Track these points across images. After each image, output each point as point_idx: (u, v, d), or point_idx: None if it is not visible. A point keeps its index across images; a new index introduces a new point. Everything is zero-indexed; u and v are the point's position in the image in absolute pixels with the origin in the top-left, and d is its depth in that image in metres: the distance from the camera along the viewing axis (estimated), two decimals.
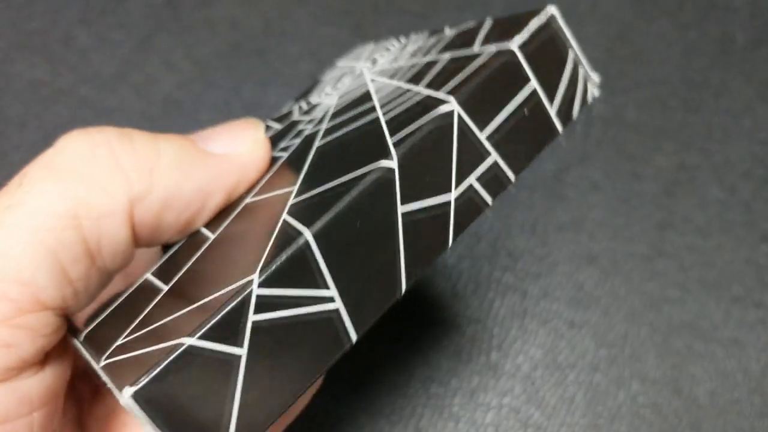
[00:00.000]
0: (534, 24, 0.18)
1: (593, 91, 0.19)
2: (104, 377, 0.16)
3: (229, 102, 0.36)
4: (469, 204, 0.17)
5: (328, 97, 0.25)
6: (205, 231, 0.20)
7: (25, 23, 0.37)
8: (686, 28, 0.37)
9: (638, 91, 0.35)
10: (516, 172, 0.18)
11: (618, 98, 0.35)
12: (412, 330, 0.31)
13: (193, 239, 0.20)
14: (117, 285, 0.21)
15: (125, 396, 0.14)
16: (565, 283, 0.32)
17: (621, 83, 0.36)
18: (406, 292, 0.17)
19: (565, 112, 0.19)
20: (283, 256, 0.15)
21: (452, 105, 0.17)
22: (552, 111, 0.18)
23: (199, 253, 0.19)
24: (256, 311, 0.15)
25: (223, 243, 0.18)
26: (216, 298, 0.16)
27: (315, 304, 0.16)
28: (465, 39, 0.21)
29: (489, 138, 0.18)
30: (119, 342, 0.17)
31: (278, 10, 0.38)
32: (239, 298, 0.15)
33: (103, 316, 0.20)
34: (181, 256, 0.20)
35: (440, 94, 0.18)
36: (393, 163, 0.16)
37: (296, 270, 0.15)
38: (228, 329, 0.15)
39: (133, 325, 0.17)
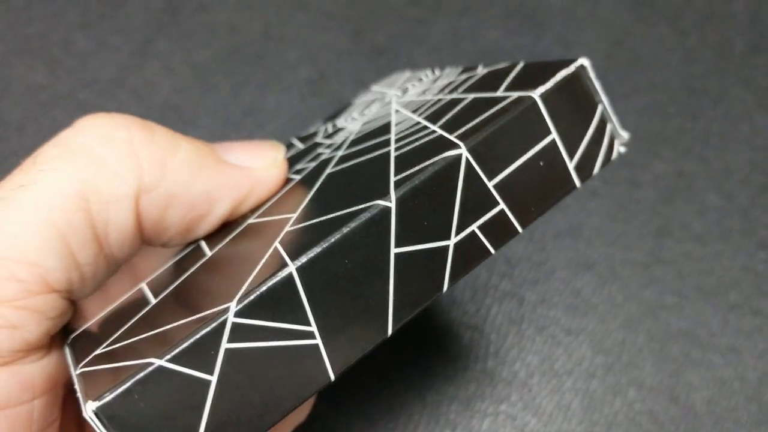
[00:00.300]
0: (562, 74, 0.18)
1: (619, 149, 0.19)
2: (77, 385, 0.16)
3: (227, 107, 0.36)
4: (470, 250, 0.17)
5: (353, 122, 0.25)
6: (204, 246, 0.20)
7: (24, 27, 0.37)
8: (685, 34, 0.37)
9: (637, 98, 0.35)
10: (524, 224, 0.17)
11: (616, 104, 0.35)
12: (409, 336, 0.31)
13: (192, 254, 0.20)
14: (125, 286, 0.21)
15: (88, 410, 0.14)
16: (562, 290, 0.32)
17: (620, 89, 0.36)
18: (392, 334, 0.16)
19: (585, 167, 0.18)
20: (263, 287, 0.15)
21: (461, 150, 0.16)
22: (571, 165, 0.18)
23: (191, 270, 0.19)
24: (230, 339, 0.15)
25: (216, 262, 0.18)
26: (194, 320, 0.15)
27: (293, 338, 0.15)
28: (492, 81, 0.20)
29: (497, 186, 0.17)
30: (98, 351, 0.17)
31: (278, 15, 0.38)
32: (213, 324, 0.15)
33: (93, 320, 0.20)
34: (176, 269, 0.20)
35: (452, 137, 0.17)
36: (390, 204, 0.16)
37: (276, 302, 0.15)
38: (199, 354, 0.15)
39: (115, 335, 0.17)
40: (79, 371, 0.16)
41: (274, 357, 0.15)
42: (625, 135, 0.19)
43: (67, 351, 0.18)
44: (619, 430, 0.29)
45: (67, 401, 0.20)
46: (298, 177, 0.21)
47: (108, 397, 0.14)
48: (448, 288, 0.17)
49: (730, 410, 0.29)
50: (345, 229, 0.16)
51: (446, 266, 0.17)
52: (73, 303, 0.19)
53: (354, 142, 0.22)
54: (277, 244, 0.17)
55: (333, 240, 0.15)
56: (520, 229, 0.17)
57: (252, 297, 0.15)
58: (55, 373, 0.18)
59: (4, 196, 0.17)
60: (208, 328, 0.15)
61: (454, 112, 0.19)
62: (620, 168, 0.34)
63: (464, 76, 0.23)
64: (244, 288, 0.15)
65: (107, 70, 0.37)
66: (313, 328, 0.16)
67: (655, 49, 0.37)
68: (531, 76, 0.18)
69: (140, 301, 0.19)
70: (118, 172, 0.18)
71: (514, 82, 0.19)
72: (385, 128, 0.21)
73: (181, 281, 0.18)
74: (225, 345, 0.15)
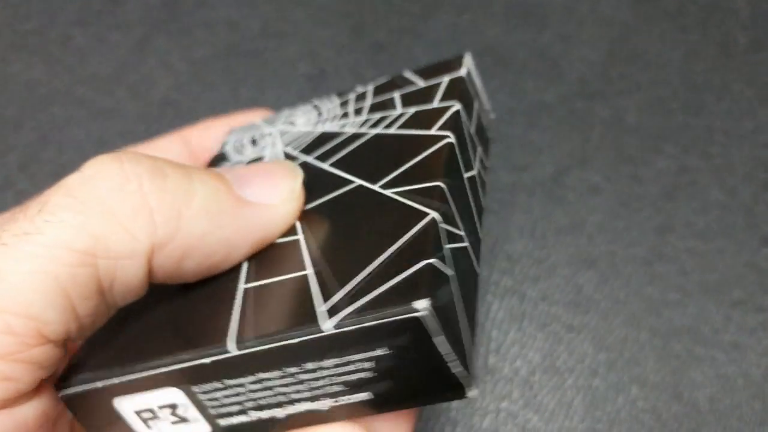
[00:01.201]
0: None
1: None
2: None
3: (226, 103, 0.35)
4: None
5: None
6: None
7: (22, 24, 0.37)
8: (687, 30, 0.37)
9: (639, 94, 0.35)
10: None
11: (619, 101, 0.35)
12: None
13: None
14: None
15: (420, 306, 0.15)
16: (564, 287, 0.31)
17: (622, 86, 0.35)
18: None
19: None
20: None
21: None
22: None
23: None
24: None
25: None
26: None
27: None
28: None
29: None
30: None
31: (276, 11, 0.38)
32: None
33: None
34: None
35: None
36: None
37: None
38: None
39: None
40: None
41: None
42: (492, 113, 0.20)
43: None
44: (622, 427, 0.29)
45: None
46: None
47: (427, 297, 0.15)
48: None
49: (734, 407, 0.29)
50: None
51: None
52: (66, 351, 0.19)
53: None
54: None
55: None
56: None
57: None
58: (47, 410, 0.18)
59: (6, 242, 0.17)
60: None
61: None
62: (622, 164, 0.34)
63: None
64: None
65: (105, 67, 0.37)
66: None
67: (657, 45, 0.36)
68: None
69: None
70: (130, 228, 0.17)
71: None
72: None
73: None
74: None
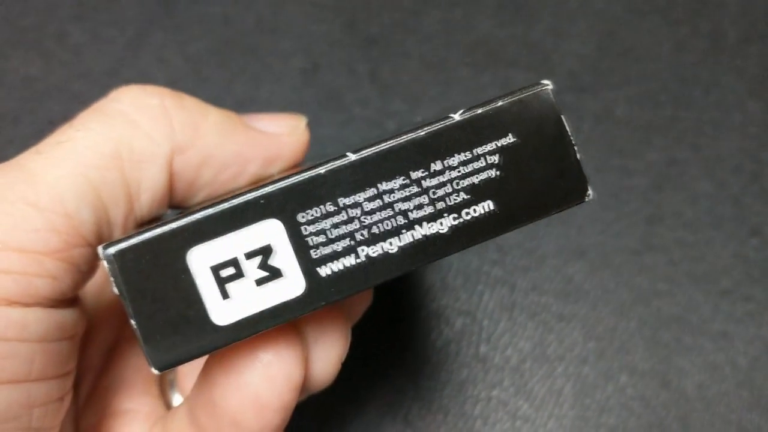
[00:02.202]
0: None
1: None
2: None
3: (221, 98, 0.36)
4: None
5: None
6: None
7: (18, 20, 0.38)
8: (677, 24, 0.37)
9: (628, 87, 0.36)
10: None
11: (608, 94, 0.35)
12: (401, 322, 0.31)
13: None
14: None
15: None
16: (554, 277, 0.32)
17: (611, 79, 0.36)
18: None
19: None
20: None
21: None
22: None
23: None
24: None
25: None
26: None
27: None
28: None
29: None
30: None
31: (271, 6, 0.38)
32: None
33: None
34: None
35: None
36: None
37: None
38: None
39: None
40: None
41: None
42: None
43: None
44: (611, 414, 0.29)
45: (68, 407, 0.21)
46: None
47: None
48: None
49: (722, 395, 0.30)
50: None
51: None
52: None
53: None
54: None
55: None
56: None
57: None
58: (79, 324, 0.19)
59: (41, 150, 0.18)
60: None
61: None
62: (612, 156, 0.34)
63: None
64: None
65: (102, 62, 0.37)
66: None
67: (647, 39, 0.37)
68: None
69: None
70: (151, 134, 0.19)
71: None
72: None
73: None
74: None
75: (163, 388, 0.24)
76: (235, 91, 0.36)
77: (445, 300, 0.31)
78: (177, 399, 0.24)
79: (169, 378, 0.24)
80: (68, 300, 0.18)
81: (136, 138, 0.19)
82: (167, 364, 0.15)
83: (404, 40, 0.37)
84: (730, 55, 0.36)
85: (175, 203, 0.21)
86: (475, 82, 0.36)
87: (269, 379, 0.17)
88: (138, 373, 0.23)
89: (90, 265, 0.19)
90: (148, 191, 0.19)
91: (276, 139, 0.21)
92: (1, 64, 0.37)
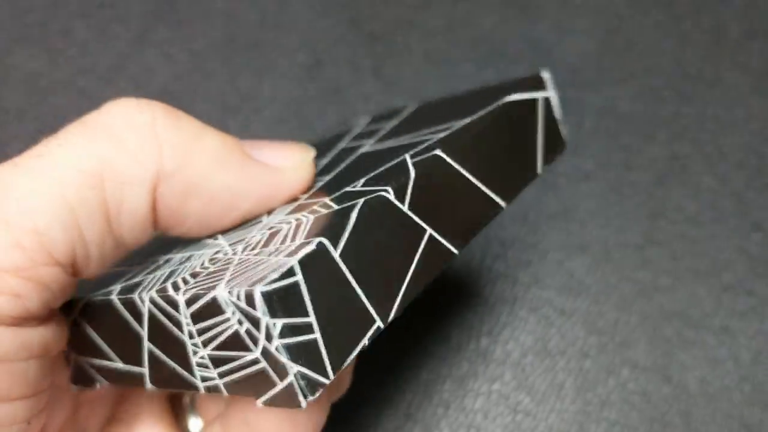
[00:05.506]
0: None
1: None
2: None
3: (225, 93, 0.36)
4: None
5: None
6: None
7: (24, 16, 0.38)
8: (680, 19, 0.37)
9: (632, 82, 0.36)
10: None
11: (611, 89, 0.35)
12: (402, 316, 0.31)
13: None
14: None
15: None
16: (555, 271, 0.32)
17: (614, 74, 0.36)
18: None
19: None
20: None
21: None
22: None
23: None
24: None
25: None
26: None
27: None
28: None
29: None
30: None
31: (275, 2, 0.38)
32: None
33: None
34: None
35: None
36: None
37: None
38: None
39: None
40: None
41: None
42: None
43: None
44: (613, 409, 0.29)
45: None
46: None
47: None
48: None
49: (723, 390, 0.30)
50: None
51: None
52: (76, 280, 0.19)
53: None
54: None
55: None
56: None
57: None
58: (50, 343, 0.18)
59: (19, 163, 0.17)
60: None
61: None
62: (614, 151, 0.34)
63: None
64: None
65: (106, 58, 0.37)
66: None
67: (650, 34, 0.37)
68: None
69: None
70: (137, 154, 0.18)
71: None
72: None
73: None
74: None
75: (178, 414, 0.23)
76: (239, 87, 0.36)
77: (446, 294, 0.31)
78: (194, 423, 0.23)
79: (185, 402, 0.23)
80: (37, 318, 0.18)
81: (119, 157, 0.18)
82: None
83: (407, 36, 0.37)
84: (733, 50, 0.36)
85: (160, 228, 0.20)
86: (478, 78, 0.36)
87: None
88: (150, 401, 0.22)
89: (61, 285, 0.18)
90: (129, 214, 0.18)
91: (277, 174, 0.20)
92: (7, 60, 0.37)
